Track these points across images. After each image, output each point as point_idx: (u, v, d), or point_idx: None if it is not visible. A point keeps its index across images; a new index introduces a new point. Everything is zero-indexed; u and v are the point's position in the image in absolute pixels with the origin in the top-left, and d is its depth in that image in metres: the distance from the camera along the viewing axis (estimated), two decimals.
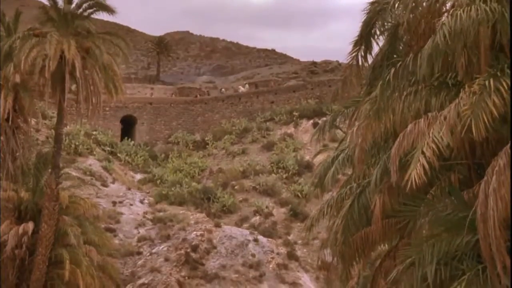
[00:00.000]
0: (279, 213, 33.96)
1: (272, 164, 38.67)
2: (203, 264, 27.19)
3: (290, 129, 42.86)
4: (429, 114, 9.82)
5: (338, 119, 14.97)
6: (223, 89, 50.48)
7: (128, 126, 44.37)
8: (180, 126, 45.35)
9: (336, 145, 15.78)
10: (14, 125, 22.93)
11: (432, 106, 10.27)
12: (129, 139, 42.53)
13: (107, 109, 38.37)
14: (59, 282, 22.42)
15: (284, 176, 37.50)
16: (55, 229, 22.56)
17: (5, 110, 22.13)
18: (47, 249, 22.16)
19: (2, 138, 23.01)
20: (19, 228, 22.06)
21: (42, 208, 22.70)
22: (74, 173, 31.40)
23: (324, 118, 19.00)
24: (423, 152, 9.17)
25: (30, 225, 22.39)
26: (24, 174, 23.25)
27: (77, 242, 23.31)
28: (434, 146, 9.17)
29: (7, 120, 22.52)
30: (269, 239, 30.12)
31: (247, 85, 50.57)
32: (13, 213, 22.56)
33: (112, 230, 29.60)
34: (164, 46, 61.54)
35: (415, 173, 9.03)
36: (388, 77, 10.41)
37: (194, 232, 29.17)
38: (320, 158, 20.25)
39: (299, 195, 35.32)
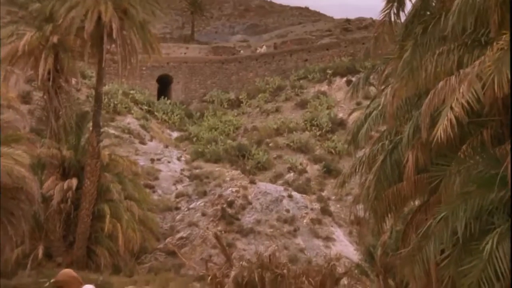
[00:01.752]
0: (313, 169, 34.39)
1: (306, 122, 38.95)
2: (238, 219, 27.96)
3: (324, 87, 42.87)
4: (461, 71, 9.86)
5: (371, 77, 15.01)
6: (259, 49, 50.55)
7: (164, 85, 45.02)
8: (215, 84, 45.80)
9: (369, 102, 15.86)
10: (56, 85, 23.71)
11: (464, 64, 10.30)
12: (166, 98, 43.25)
13: (144, 68, 38.90)
14: (102, 235, 23.56)
15: (318, 133, 37.81)
16: (97, 185, 23.58)
17: (46, 70, 22.87)
18: (90, 204, 23.24)
19: (45, 97, 23.89)
20: (64, 184, 23.16)
21: (84, 165, 23.70)
22: (113, 132, 32.42)
23: (358, 76, 19.09)
24: (451, 108, 9.19)
25: (74, 181, 23.46)
26: (66, 132, 24.14)
27: (118, 198, 24.36)
28: (464, 102, 9.18)
29: (49, 80, 23.31)
30: (303, 195, 30.63)
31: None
32: (58, 170, 23.62)
33: (151, 187, 30.58)
34: (198, 6, 61.54)
35: (442, 128, 9.16)
36: (420, 34, 10.48)
37: (230, 189, 29.86)
38: (354, 115, 20.41)
39: (333, 152, 35.65)
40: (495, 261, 8.38)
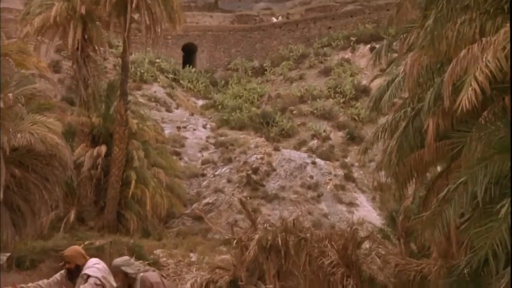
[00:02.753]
0: (336, 136, 34.60)
1: (329, 89, 38.99)
2: (263, 185, 28.44)
3: (347, 54, 42.71)
4: (483, 40, 9.99)
5: (395, 43, 15.09)
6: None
7: (189, 54, 45.24)
8: (239, 53, 45.87)
9: (391, 69, 15.99)
10: (85, 55, 24.25)
11: (487, 32, 10.40)
12: (191, 67, 43.56)
13: (169, 37, 39.13)
14: (131, 200, 24.33)
15: (341, 100, 37.88)
16: (125, 152, 24.25)
17: (75, 40, 23.38)
18: (119, 170, 23.96)
19: (74, 67, 24.46)
20: (94, 151, 23.89)
21: (113, 133, 24.35)
22: (140, 100, 32.96)
23: (382, 43, 19.06)
24: (475, 77, 9.33)
25: (103, 148, 24.18)
26: (95, 101, 24.76)
27: (146, 165, 25.05)
28: (487, 70, 9.31)
29: (78, 49, 23.83)
30: (327, 162, 30.92)
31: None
32: (88, 137, 24.34)
33: (177, 154, 31.20)
34: None
35: (466, 97, 9.36)
36: (442, 3, 10.56)
37: (254, 155, 30.28)
38: (377, 82, 20.50)
39: (356, 118, 35.77)
40: (510, 222, 8.68)
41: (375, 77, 23.07)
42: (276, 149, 31.28)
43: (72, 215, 22.42)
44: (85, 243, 14.31)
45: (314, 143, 33.93)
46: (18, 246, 14.57)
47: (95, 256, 10.30)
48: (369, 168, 28.84)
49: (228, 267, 13.59)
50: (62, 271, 7.12)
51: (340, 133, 34.87)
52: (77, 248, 7.23)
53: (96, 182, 24.03)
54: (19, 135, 14.32)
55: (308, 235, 13.59)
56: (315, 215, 26.35)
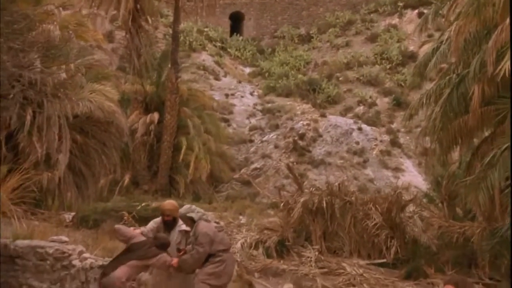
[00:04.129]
0: (383, 102, 34.62)
1: (376, 55, 38.83)
2: (309, 151, 28.91)
3: (395, 20, 42.23)
4: None
5: (442, 9, 15.05)
6: None
7: (236, 22, 45.56)
8: (286, 20, 45.90)
9: (439, 35, 15.98)
10: (137, 25, 24.96)
11: None
12: (238, 35, 43.97)
13: (217, 6, 39.51)
14: (182, 165, 25.27)
15: (388, 66, 37.72)
16: (176, 119, 25.12)
17: (128, 10, 24.11)
18: (171, 137, 24.86)
19: (127, 36, 25.27)
20: (146, 118, 24.83)
21: (164, 100, 25.21)
22: (190, 69, 33.71)
23: (429, 7, 18.91)
24: None
25: (155, 115, 25.09)
26: (147, 69, 25.57)
27: (196, 131, 25.87)
28: None
29: (130, 20, 24.56)
30: (373, 128, 31.11)
31: None
32: (141, 105, 25.28)
33: (226, 120, 31.96)
34: None
35: (508, 64, 9.56)
36: None
37: (301, 122, 30.72)
38: (424, 48, 20.46)
39: (402, 84, 35.64)
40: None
41: (423, 43, 22.93)
42: (323, 115, 31.59)
43: (127, 179, 23.52)
44: (142, 204, 15.15)
45: (360, 109, 34.06)
46: (81, 207, 15.58)
47: (152, 216, 11.29)
48: (415, 133, 28.77)
49: (276, 228, 13.92)
50: (157, 220, 8.02)
51: (386, 99, 34.85)
52: (175, 203, 8.18)
53: (149, 148, 25.03)
54: (80, 103, 15.19)
55: (353, 198, 13.77)
56: (361, 180, 26.70)
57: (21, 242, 9.38)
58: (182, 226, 7.90)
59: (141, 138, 24.35)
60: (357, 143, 29.29)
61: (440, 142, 13.84)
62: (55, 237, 9.82)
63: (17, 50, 7.76)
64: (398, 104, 34.09)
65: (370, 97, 35.08)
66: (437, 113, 13.39)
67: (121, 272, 7.65)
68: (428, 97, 14.38)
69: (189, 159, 24.78)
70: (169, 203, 8.19)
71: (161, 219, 8.00)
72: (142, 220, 11.87)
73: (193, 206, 7.73)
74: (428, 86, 15.93)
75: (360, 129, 30.39)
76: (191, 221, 7.52)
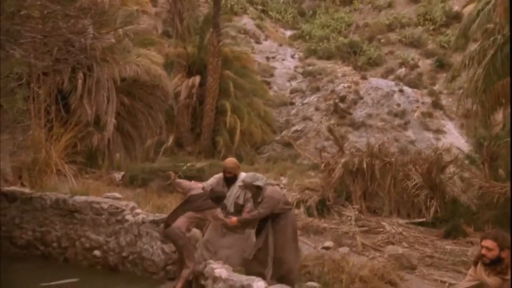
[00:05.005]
0: (425, 64, 34.19)
1: (419, 16, 38.14)
2: (350, 113, 28.97)
3: None
4: None
5: None
6: None
7: None
8: None
9: None
10: None
11: None
12: None
13: None
14: (224, 128, 25.74)
15: (431, 27, 37.07)
16: (219, 82, 25.49)
17: None
18: (213, 99, 25.27)
19: (170, 0, 25.60)
20: (189, 81, 25.29)
21: (207, 64, 25.58)
22: (231, 32, 33.90)
23: None
24: None
25: (197, 78, 25.50)
26: (190, 33, 25.91)
27: (238, 93, 26.23)
28: None
29: None
30: (414, 90, 30.87)
31: None
32: (184, 68, 25.72)
33: (267, 83, 32.17)
34: None
35: None
36: None
37: (342, 84, 30.72)
38: (469, 7, 20.07)
39: (446, 46, 35.03)
40: None
41: (468, 3, 22.46)
42: (363, 77, 31.48)
43: (171, 141, 24.17)
44: (187, 164, 15.67)
45: (401, 71, 33.76)
46: (129, 166, 16.25)
47: (197, 176, 11.78)
48: (457, 95, 28.44)
49: (316, 188, 14.13)
50: (217, 175, 8.49)
51: (429, 61, 34.39)
52: (236, 161, 8.64)
53: (192, 111, 25.56)
54: (127, 67, 15.71)
55: (393, 159, 13.89)
56: (401, 142, 26.68)
57: (78, 198, 9.99)
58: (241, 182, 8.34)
59: (184, 101, 24.86)
60: (398, 105, 29.16)
61: (482, 103, 13.83)
62: (109, 194, 10.41)
63: (72, 16, 8.17)
64: (441, 65, 33.61)
65: (412, 59, 34.66)
66: (480, 75, 13.34)
67: (179, 222, 8.18)
68: (471, 58, 14.31)
69: (231, 121, 25.19)
70: (231, 161, 8.63)
71: (223, 175, 8.46)
72: (187, 180, 12.35)
73: (257, 174, 8.07)
74: (473, 47, 15.76)
75: (401, 91, 30.19)
76: (257, 188, 7.89)
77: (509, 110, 14.06)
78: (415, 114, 28.76)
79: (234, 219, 7.91)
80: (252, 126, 25.63)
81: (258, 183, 7.91)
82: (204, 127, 25.21)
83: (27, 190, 10.42)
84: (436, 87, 31.76)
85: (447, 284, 8.61)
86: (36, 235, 10.13)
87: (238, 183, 8.33)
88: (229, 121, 25.04)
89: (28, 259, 9.89)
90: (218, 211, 8.18)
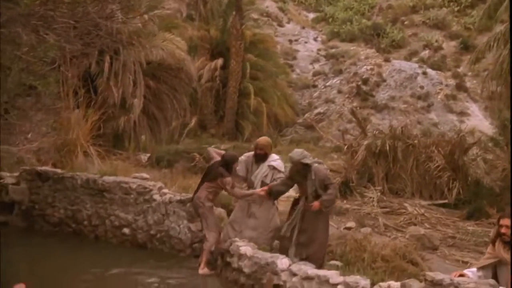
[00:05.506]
0: (449, 46, 33.84)
1: None
2: (373, 96, 28.91)
3: None
4: None
5: None
6: None
7: None
8: None
9: None
10: None
11: None
12: None
13: None
14: (247, 110, 25.92)
15: (456, 9, 36.60)
16: (241, 65, 25.64)
17: None
18: (236, 82, 25.45)
19: None
20: (212, 63, 25.49)
21: (229, 47, 25.72)
22: (254, 15, 33.94)
23: None
24: None
25: (220, 61, 25.66)
26: (213, 16, 26.03)
27: (261, 76, 26.37)
28: None
29: None
30: (438, 72, 30.62)
31: None
32: (207, 51, 25.90)
33: (289, 66, 32.22)
34: None
35: None
36: None
37: (365, 67, 30.62)
38: None
39: (471, 27, 34.59)
40: None
41: None
42: (387, 60, 31.32)
43: (194, 123, 24.45)
44: (212, 146, 15.92)
45: (425, 53, 33.49)
46: (155, 148, 16.59)
47: None
48: (482, 77, 28.16)
49: (339, 170, 14.28)
50: (248, 153, 8.76)
51: (453, 43, 34.03)
52: (269, 140, 8.84)
53: (215, 93, 25.77)
54: (152, 51, 15.97)
55: (415, 141, 13.96)
56: (424, 124, 26.58)
57: (107, 178, 10.31)
58: (272, 162, 8.46)
59: (207, 83, 25.07)
60: (422, 87, 28.99)
61: (507, 85, 13.76)
62: (137, 174, 10.72)
63: (100, 1, 8.40)
64: (466, 47, 33.23)
65: (436, 41, 34.33)
66: (505, 56, 13.29)
67: (199, 193, 8.61)
68: (497, 39, 14.23)
69: (254, 104, 25.36)
70: (264, 138, 8.86)
71: (254, 152, 8.65)
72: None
73: (305, 152, 8.10)
74: (498, 28, 15.63)
75: (424, 73, 29.99)
76: (302, 166, 7.97)
77: None
78: (439, 97, 28.56)
79: (316, 203, 7.86)
80: (275, 109, 25.77)
81: (306, 160, 7.98)
82: (227, 110, 25.44)
83: (58, 170, 10.77)
84: (460, 69, 31.46)
85: (468, 264, 8.72)
86: (68, 213, 10.50)
87: (268, 162, 8.50)
88: (252, 103, 25.20)
89: (61, 236, 10.27)
90: (227, 180, 8.36)
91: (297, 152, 8.09)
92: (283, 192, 8.37)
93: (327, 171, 8.27)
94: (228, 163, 8.48)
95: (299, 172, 8.06)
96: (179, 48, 17.29)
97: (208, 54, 25.81)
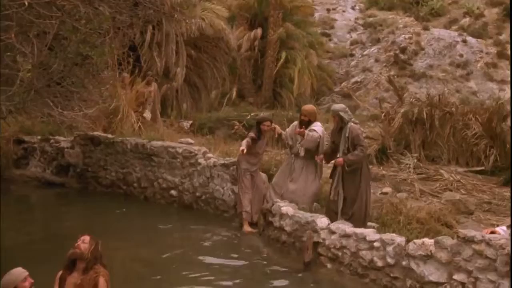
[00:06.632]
0: (491, 13, 33.06)
1: None
2: (411, 64, 28.65)
3: None
4: None
5: None
6: None
7: None
8: None
9: None
10: None
11: None
12: None
13: None
14: (285, 79, 26.17)
15: None
16: (279, 34, 25.80)
17: None
18: (274, 51, 25.66)
19: None
20: (251, 33, 25.74)
21: (268, 16, 25.90)
22: None
23: None
24: None
25: (259, 31, 25.86)
26: None
27: (299, 45, 26.50)
28: None
29: None
30: (478, 40, 30.07)
31: None
32: (246, 21, 26.14)
33: (327, 35, 32.16)
34: None
35: None
36: None
37: (403, 35, 30.29)
38: None
39: None
40: None
41: None
42: (425, 28, 30.91)
43: (234, 92, 24.86)
44: (251, 114, 16.35)
45: (465, 21, 32.85)
46: (196, 116, 17.12)
47: None
48: None
49: (376, 137, 14.40)
50: (295, 123, 9.21)
51: (495, 10, 33.22)
52: (314, 108, 9.33)
53: (254, 63, 26.07)
54: (193, 21, 16.36)
55: (453, 109, 13.94)
56: (463, 93, 26.29)
57: (155, 143, 10.89)
58: (313, 127, 8.88)
59: (246, 53, 25.37)
60: (461, 55, 28.59)
61: None
62: (182, 139, 11.27)
63: None
64: (508, 14, 32.39)
65: (478, 8, 33.61)
66: None
67: (239, 157, 9.25)
68: None
69: (292, 73, 25.58)
70: (309, 106, 9.38)
71: (299, 119, 9.09)
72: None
73: (347, 108, 8.51)
74: None
75: (464, 41, 29.51)
76: (339, 119, 8.35)
77: None
78: (479, 65, 28.11)
79: (340, 159, 8.23)
80: (312, 77, 25.95)
81: (344, 115, 8.34)
82: (265, 79, 25.74)
83: (109, 135, 11.40)
84: (502, 37, 30.78)
85: (500, 223, 8.92)
86: (119, 176, 11.16)
87: (310, 128, 8.87)
88: (290, 72, 25.43)
89: (113, 197, 10.95)
90: (247, 140, 8.99)
91: (339, 105, 8.61)
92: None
93: (361, 132, 8.56)
94: (257, 123, 9.23)
95: (336, 130, 8.39)
96: (219, 17, 17.63)
97: (246, 23, 26.03)
